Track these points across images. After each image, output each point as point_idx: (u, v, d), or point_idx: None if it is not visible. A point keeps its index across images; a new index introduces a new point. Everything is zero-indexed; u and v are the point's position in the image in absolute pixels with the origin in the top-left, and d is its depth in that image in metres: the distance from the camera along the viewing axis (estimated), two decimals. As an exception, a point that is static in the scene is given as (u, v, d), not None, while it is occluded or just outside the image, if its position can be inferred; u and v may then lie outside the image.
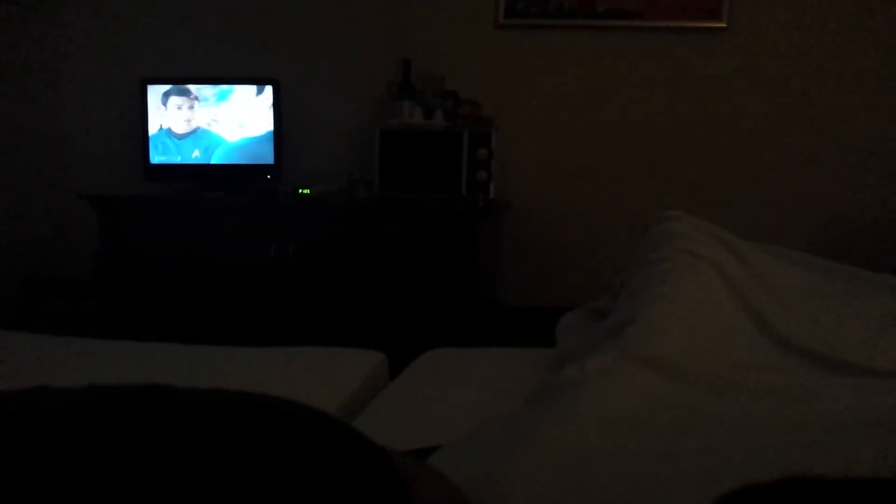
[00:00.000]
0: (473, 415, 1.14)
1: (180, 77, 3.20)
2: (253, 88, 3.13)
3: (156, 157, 3.17)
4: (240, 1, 3.37)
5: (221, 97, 3.14)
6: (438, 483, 0.61)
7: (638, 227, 1.74)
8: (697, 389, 0.99)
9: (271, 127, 3.13)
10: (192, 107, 3.13)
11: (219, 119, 3.15)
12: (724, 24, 3.13)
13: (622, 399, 0.93)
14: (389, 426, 1.23)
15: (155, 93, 3.16)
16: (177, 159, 3.16)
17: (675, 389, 0.99)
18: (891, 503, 0.37)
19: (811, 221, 3.17)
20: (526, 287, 3.29)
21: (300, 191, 3.06)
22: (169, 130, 3.16)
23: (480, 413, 1.12)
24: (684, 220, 1.58)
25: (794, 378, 1.09)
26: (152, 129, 3.16)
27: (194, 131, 3.14)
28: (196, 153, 3.15)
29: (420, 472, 0.58)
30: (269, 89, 3.12)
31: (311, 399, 0.51)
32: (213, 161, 3.16)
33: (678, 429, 0.86)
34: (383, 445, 0.51)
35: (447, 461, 0.79)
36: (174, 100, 3.14)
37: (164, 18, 3.41)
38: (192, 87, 3.14)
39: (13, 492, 0.35)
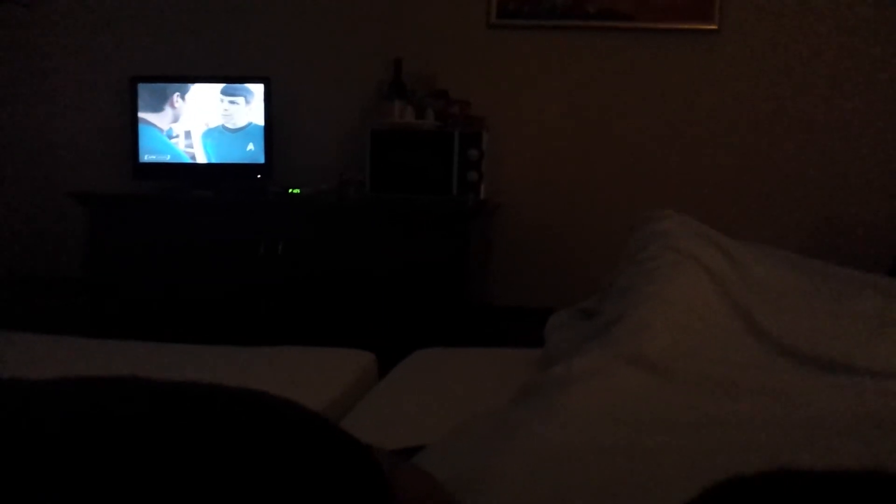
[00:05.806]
0: (462, 414, 1.13)
1: (170, 75, 3.19)
2: (243, 87, 3.12)
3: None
4: (231, -1, 3.36)
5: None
6: (422, 480, 0.61)
7: (628, 228, 1.74)
8: (684, 388, 0.99)
9: (262, 126, 3.12)
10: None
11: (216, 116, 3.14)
12: (715, 27, 3.14)
13: (608, 397, 0.92)
14: (378, 425, 1.22)
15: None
16: (165, 158, 3.14)
17: (662, 388, 0.99)
18: (877, 494, 0.36)
19: (802, 222, 3.18)
20: (516, 287, 3.28)
21: (290, 190, 3.04)
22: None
23: (469, 412, 1.12)
24: (672, 219, 1.58)
25: (782, 377, 1.09)
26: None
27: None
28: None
29: (403, 469, 0.58)
30: (259, 88, 3.11)
31: (299, 399, 0.50)
32: (203, 160, 3.14)
33: (664, 426, 0.85)
34: (366, 442, 0.50)
35: (433, 459, 0.79)
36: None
37: (155, 16, 3.39)
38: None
39: None
